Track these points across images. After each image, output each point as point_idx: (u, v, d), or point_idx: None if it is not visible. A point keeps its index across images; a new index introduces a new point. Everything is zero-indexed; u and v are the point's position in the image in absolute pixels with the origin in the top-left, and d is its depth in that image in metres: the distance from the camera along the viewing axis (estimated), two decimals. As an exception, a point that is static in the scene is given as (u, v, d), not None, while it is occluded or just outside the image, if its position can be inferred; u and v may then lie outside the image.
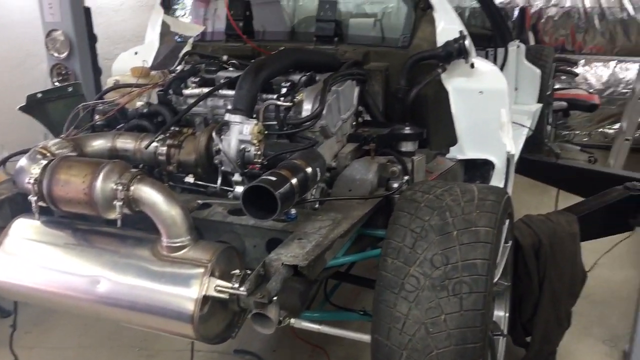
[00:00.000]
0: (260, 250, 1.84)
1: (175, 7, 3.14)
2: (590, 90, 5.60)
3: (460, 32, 2.41)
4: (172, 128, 2.08)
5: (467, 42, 2.39)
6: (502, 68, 3.63)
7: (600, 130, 5.81)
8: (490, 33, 3.58)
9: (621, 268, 3.60)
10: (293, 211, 1.80)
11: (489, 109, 2.50)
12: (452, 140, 2.55)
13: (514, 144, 2.41)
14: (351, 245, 1.99)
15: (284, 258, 1.59)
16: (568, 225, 2.83)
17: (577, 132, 5.89)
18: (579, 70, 5.71)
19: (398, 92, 2.49)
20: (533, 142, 3.90)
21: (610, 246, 3.30)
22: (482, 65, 2.53)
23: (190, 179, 2.02)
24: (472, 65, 2.48)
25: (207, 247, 1.68)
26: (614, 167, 4.86)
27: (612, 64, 5.67)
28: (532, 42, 5.55)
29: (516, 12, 5.61)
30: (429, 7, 2.51)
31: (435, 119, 2.56)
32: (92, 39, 3.52)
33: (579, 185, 3.38)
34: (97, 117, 2.24)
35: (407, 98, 2.45)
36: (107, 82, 2.53)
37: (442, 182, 1.97)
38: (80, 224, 1.84)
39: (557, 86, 5.73)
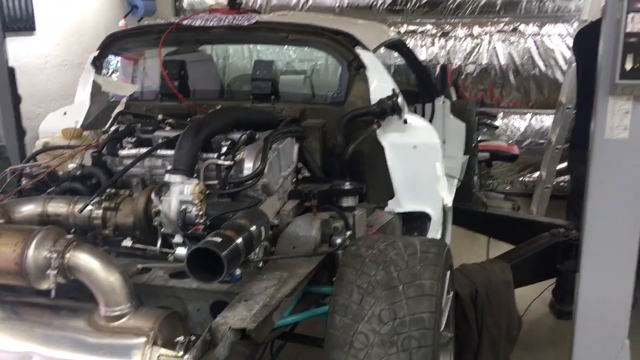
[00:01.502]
0: (204, 314, 1.78)
1: (106, 66, 3.10)
2: (510, 142, 5.91)
3: (393, 90, 2.50)
4: (108, 190, 2.01)
5: (400, 99, 2.49)
6: (430, 122, 3.79)
7: (520, 179, 6.11)
8: (417, 89, 3.74)
9: (551, 312, 3.74)
10: (238, 272, 1.76)
11: (423, 163, 2.59)
12: (390, 193, 2.61)
13: (449, 196, 2.50)
14: (296, 303, 1.96)
15: (231, 321, 1.54)
16: (502, 273, 2.94)
17: (500, 181, 6.16)
18: (498, 122, 6.03)
19: (335, 148, 2.54)
20: (462, 192, 4.04)
21: (539, 291, 3.44)
22: (415, 120, 2.63)
23: (128, 242, 1.95)
24: (405, 121, 2.58)
25: (149, 314, 1.60)
26: (536, 214, 5.10)
27: (528, 116, 6.04)
28: (454, 97, 5.84)
29: (438, 69, 5.91)
30: (362, 67, 2.60)
31: (373, 173, 2.61)
32: (16, 99, 3.40)
33: (507, 233, 3.52)
34: (25, 181, 2.14)
35: (344, 154, 2.50)
36: (36, 144, 2.43)
37: (385, 236, 2.01)
38: (8, 296, 1.72)
39: (479, 138, 6.03)
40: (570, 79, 4.96)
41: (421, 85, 3.69)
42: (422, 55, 6.11)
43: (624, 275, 2.62)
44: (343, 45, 2.62)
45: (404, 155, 2.57)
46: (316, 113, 2.63)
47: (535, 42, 5.81)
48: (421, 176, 2.59)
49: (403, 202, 2.59)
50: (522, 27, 5.86)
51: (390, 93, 2.50)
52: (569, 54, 5.52)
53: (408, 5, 6.11)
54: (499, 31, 5.93)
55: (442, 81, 5.74)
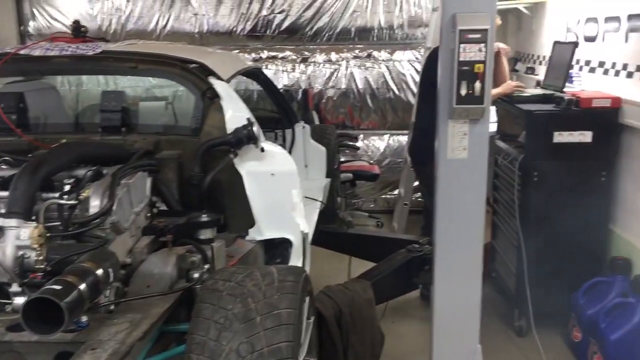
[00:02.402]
0: (47, 368, 1.65)
1: None
2: (371, 161, 6.19)
3: (248, 119, 2.52)
4: None
5: (255, 128, 2.50)
6: (291, 148, 3.86)
7: (383, 196, 6.41)
8: (279, 115, 3.80)
9: (412, 320, 3.92)
10: (84, 319, 1.66)
11: (282, 190, 2.62)
12: (250, 222, 2.60)
13: (306, 223, 2.54)
14: (154, 344, 1.88)
15: (76, 374, 1.44)
16: (364, 292, 3.05)
17: (364, 199, 6.42)
18: (359, 144, 6.29)
19: (193, 179, 2.49)
20: (326, 214, 4.15)
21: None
22: (272, 148, 2.66)
23: (-44, 296, 1.76)
24: (263, 150, 2.60)
25: (-20, 376, 1.46)
26: (397, 229, 5.36)
27: (386, 137, 6.36)
28: (316, 121, 6.01)
29: (300, 94, 6.07)
30: (216, 96, 2.59)
31: (233, 202, 2.60)
32: None
33: (368, 252, 3.66)
34: None
35: (202, 184, 2.46)
36: None
37: (243, 267, 1.99)
38: None
39: (343, 159, 6.25)
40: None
41: (281, 112, 3.75)
42: (284, 80, 6.25)
43: (472, 284, 2.83)
44: (196, 75, 2.59)
45: (262, 183, 2.59)
46: (172, 144, 2.57)
47: (387, 67, 6.16)
48: (280, 203, 2.62)
49: (264, 229, 2.59)
50: (375, 53, 6.19)
51: (245, 122, 2.51)
52: (418, 78, 5.91)
53: (268, 32, 6.22)
54: (354, 57, 6.22)
55: (304, 105, 5.91)
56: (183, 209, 2.46)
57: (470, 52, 2.62)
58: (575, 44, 3.97)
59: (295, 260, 2.68)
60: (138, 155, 2.31)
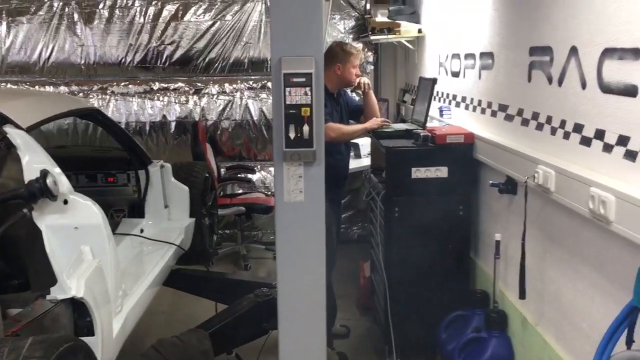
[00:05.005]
0: None
1: None
2: (269, 193, 6.08)
3: (42, 171, 2.35)
4: None
5: (50, 180, 2.34)
6: (146, 189, 3.71)
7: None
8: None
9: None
10: None
11: (86, 244, 2.46)
12: (52, 280, 2.41)
13: (82, 286, 2.36)
14: None
15: None
16: (199, 343, 2.91)
17: (264, 231, 6.30)
18: (257, 175, 6.18)
19: (-19, 237, 2.30)
20: (194, 255, 4.00)
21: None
22: (77, 200, 2.50)
23: None
24: (66, 202, 2.45)
25: None
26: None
27: (284, 167, 6.27)
28: (210, 153, 5.87)
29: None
30: (12, 146, 2.42)
31: (35, 259, 2.42)
32: None
33: (223, 295, 3.52)
34: None
35: (-12, 242, 2.27)
36: None
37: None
38: None
39: (240, 191, 6.13)
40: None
41: (130, 153, 3.60)
42: (177, 112, 6.12)
43: (316, 328, 2.75)
44: (-14, 124, 2.42)
45: (64, 238, 2.42)
46: None
47: (282, 98, 6.10)
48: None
49: (67, 287, 2.41)
50: (269, 84, 6.12)
51: (38, 175, 2.35)
52: (310, 110, 5.86)
53: (159, 63, 6.09)
54: (249, 88, 6.15)
55: (194, 139, 5.76)
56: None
57: (296, 96, 2.58)
58: (434, 80, 3.99)
59: (106, 316, 2.51)
60: None
